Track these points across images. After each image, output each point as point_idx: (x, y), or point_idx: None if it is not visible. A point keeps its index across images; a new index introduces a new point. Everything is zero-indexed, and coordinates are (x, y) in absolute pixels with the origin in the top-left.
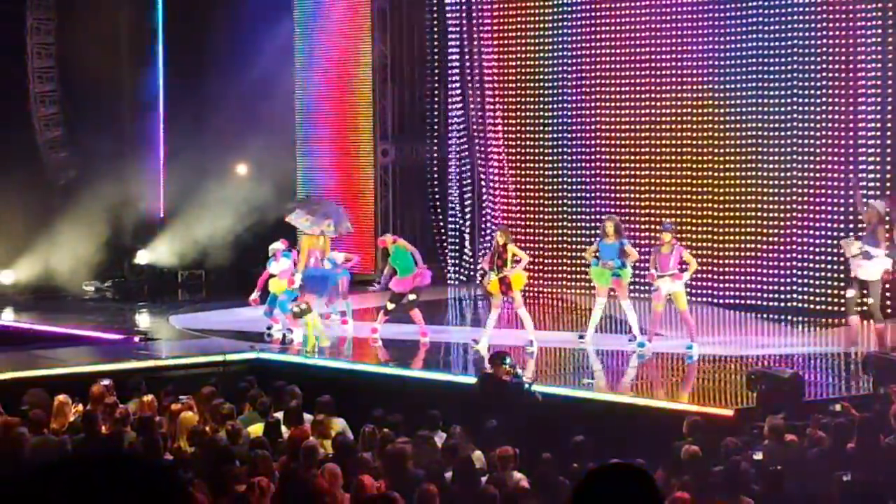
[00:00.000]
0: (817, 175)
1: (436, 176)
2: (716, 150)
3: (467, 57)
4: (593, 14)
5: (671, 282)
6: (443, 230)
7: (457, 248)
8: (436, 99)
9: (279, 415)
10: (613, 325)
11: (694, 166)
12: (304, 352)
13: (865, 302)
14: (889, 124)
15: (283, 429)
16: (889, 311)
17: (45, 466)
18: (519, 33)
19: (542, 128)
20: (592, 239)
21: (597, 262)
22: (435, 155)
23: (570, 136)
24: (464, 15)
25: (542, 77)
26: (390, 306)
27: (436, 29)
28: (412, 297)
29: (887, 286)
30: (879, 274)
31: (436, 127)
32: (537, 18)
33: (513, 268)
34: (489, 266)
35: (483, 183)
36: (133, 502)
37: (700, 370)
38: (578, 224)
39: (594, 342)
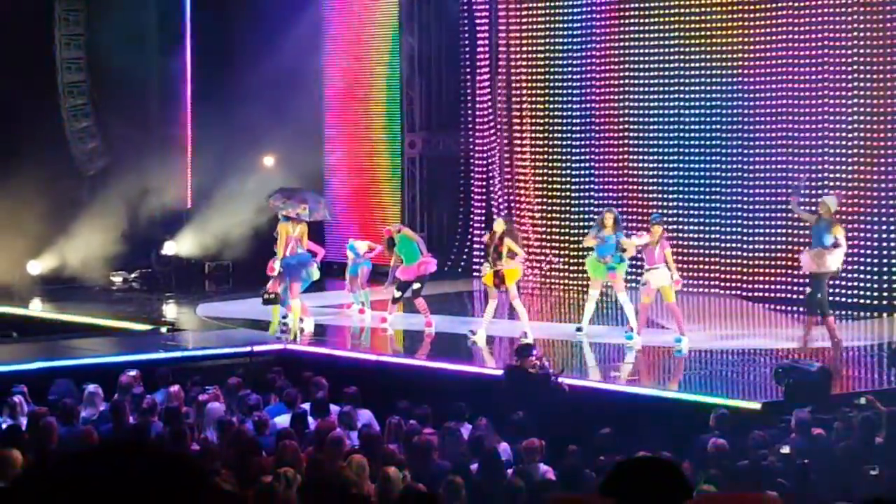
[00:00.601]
0: (848, 168)
1: (463, 168)
2: (744, 143)
3: (496, 48)
4: (622, 6)
5: (658, 274)
6: (471, 222)
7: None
8: (465, 91)
9: (306, 406)
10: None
11: (722, 159)
12: (283, 338)
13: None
14: None
15: (310, 420)
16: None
17: (73, 455)
18: (547, 25)
19: (568, 120)
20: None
21: (602, 251)
22: (462, 147)
23: (596, 129)
24: (492, 5)
25: (568, 69)
26: (397, 294)
27: (465, 19)
28: (417, 285)
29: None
30: (837, 265)
31: (464, 119)
32: (565, 10)
33: (508, 261)
34: (485, 256)
35: (508, 175)
36: (159, 491)
37: (727, 363)
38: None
39: (592, 335)
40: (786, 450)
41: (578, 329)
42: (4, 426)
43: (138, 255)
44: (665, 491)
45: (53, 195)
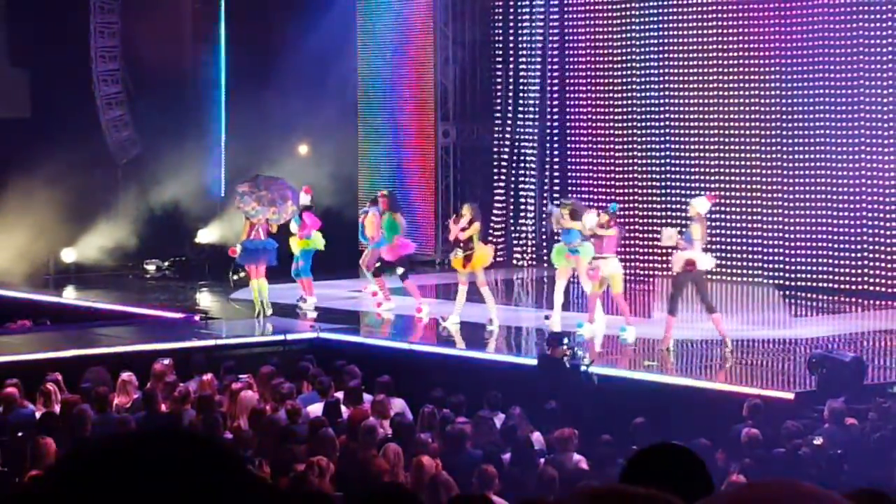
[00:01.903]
0: (886, 159)
1: (497, 157)
2: (785, 133)
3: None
4: None
5: (608, 263)
6: (511, 211)
7: (524, 229)
8: (498, 80)
9: (339, 394)
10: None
11: (762, 147)
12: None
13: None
14: None
15: (343, 408)
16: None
17: (105, 440)
18: (588, 15)
19: (628, 109)
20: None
21: (568, 238)
22: (496, 136)
23: (656, 116)
24: None
25: (610, 59)
26: (381, 274)
27: (499, 8)
28: (400, 269)
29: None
30: (706, 267)
31: (499, 108)
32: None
33: (479, 246)
34: (454, 241)
35: (557, 165)
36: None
37: (761, 353)
38: (647, 206)
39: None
40: (818, 441)
41: (546, 318)
42: (38, 414)
43: (172, 243)
44: (684, 477)
45: (87, 184)
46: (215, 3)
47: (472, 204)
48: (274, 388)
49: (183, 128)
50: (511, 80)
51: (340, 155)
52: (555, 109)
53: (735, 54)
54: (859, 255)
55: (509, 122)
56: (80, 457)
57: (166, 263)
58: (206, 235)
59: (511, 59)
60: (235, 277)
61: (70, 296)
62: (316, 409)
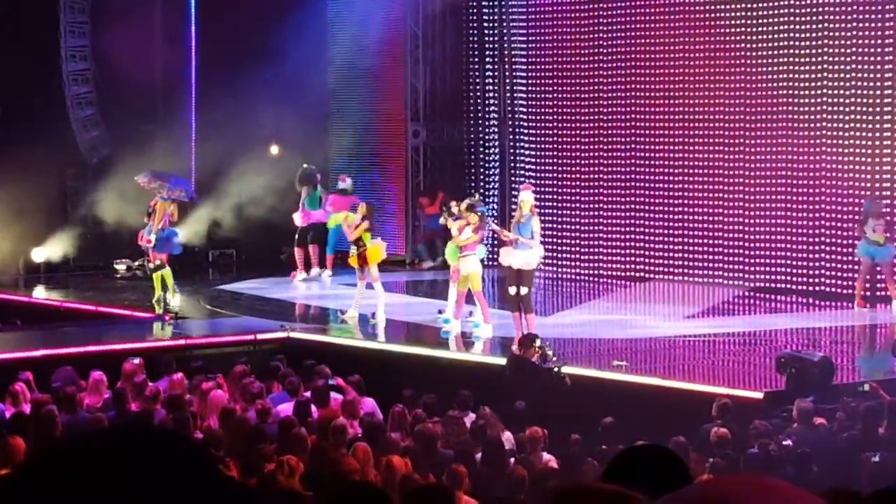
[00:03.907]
0: (845, 158)
1: (466, 157)
2: (747, 135)
3: (503, 39)
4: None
5: (467, 261)
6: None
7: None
8: (469, 81)
9: (308, 394)
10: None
11: (726, 148)
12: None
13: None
14: None
15: (313, 408)
16: None
17: (75, 439)
18: (553, 15)
19: (577, 112)
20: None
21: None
22: (464, 137)
23: (606, 121)
24: None
25: (578, 61)
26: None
27: (472, 9)
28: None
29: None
30: (536, 262)
31: (469, 109)
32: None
33: (372, 243)
34: (350, 239)
35: (512, 165)
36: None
37: (730, 353)
38: (613, 208)
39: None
40: (788, 442)
41: (440, 311)
42: (8, 414)
43: None
44: (666, 478)
45: (58, 183)
46: (186, 2)
47: (367, 202)
48: (244, 387)
49: (153, 127)
50: (478, 80)
51: (310, 155)
52: (521, 110)
53: (701, 54)
54: (821, 255)
55: (480, 122)
56: (49, 454)
57: (136, 263)
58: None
59: (478, 60)
60: (152, 265)
61: (40, 295)
62: (286, 408)
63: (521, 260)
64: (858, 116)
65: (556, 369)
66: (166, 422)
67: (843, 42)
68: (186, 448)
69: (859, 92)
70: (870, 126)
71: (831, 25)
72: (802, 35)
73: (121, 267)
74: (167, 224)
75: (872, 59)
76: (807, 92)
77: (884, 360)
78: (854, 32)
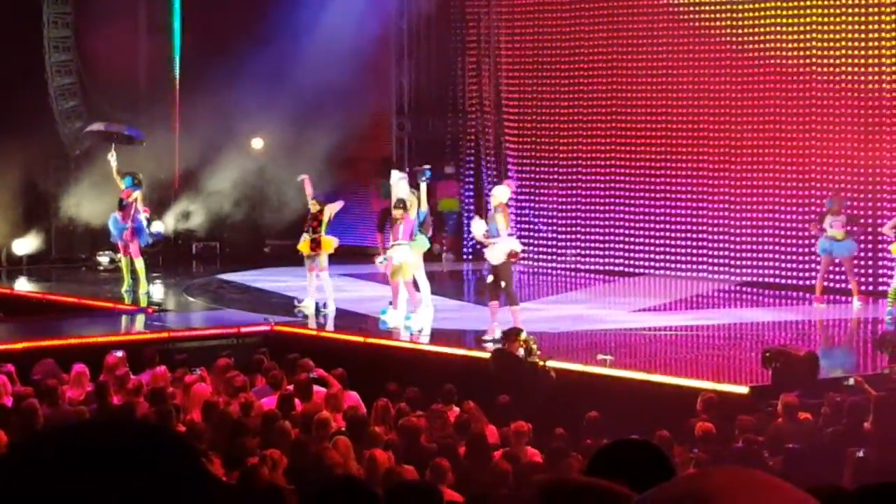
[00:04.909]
0: (831, 152)
1: (451, 150)
2: (733, 129)
3: (484, 33)
4: None
5: (398, 251)
6: (463, 205)
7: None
8: (455, 74)
9: (291, 388)
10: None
11: (711, 143)
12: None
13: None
14: None
15: (296, 402)
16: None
17: (56, 430)
18: (536, 11)
19: (555, 108)
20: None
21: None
22: (449, 130)
23: (589, 115)
24: None
25: (557, 57)
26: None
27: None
28: None
29: (514, 267)
30: (505, 257)
31: (454, 102)
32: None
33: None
34: (305, 227)
35: (490, 159)
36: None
37: (715, 347)
38: (596, 202)
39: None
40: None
41: (390, 303)
42: None
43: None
44: (649, 473)
45: (41, 175)
46: None
47: (318, 198)
48: (227, 380)
49: (137, 119)
50: (460, 73)
51: (294, 148)
52: (507, 105)
53: (685, 47)
54: (805, 249)
55: (466, 115)
56: (28, 446)
57: (119, 255)
58: (159, 227)
59: (456, 52)
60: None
61: (22, 287)
62: (269, 402)
63: (489, 255)
64: (846, 111)
65: (541, 363)
66: (149, 415)
67: (830, 36)
68: (169, 441)
69: (846, 86)
70: (858, 120)
71: (818, 19)
72: (789, 28)
73: (103, 259)
74: (136, 215)
75: (860, 52)
76: (793, 85)
77: (866, 354)
78: (842, 27)
